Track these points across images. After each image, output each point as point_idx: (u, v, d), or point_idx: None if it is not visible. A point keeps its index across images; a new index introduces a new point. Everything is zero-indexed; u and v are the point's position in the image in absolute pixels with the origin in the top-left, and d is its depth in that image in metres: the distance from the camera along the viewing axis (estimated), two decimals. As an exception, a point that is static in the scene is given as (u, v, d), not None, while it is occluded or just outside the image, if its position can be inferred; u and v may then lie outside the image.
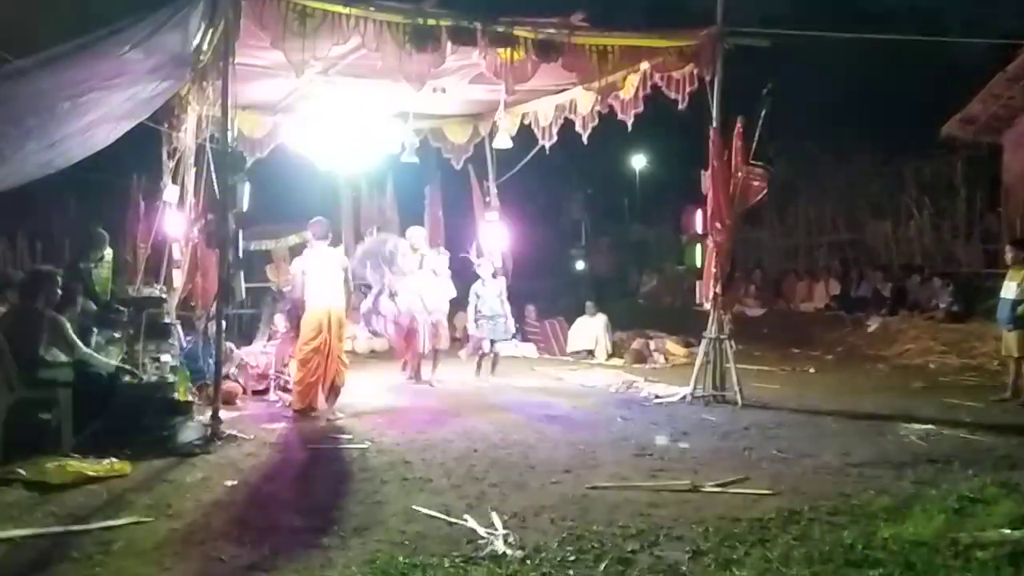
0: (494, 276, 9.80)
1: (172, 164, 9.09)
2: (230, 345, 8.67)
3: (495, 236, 10.84)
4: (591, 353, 12.15)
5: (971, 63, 13.95)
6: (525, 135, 10.56)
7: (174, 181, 8.92)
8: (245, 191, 6.93)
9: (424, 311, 9.11)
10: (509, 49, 7.71)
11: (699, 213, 8.48)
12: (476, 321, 9.50)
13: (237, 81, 6.86)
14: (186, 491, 5.16)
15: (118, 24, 6.30)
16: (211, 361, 7.38)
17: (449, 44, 7.39)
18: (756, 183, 8.16)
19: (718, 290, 8.19)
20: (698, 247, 8.96)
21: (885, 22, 14.84)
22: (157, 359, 7.29)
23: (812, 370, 10.87)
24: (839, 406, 8.00)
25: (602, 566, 3.83)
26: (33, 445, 5.65)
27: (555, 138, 10.16)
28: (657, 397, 8.58)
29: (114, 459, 5.57)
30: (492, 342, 9.72)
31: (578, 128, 9.66)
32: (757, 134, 8.04)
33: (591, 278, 18.91)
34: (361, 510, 4.79)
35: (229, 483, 5.37)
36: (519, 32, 7.71)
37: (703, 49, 8.13)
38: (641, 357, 11.64)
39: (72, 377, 6.11)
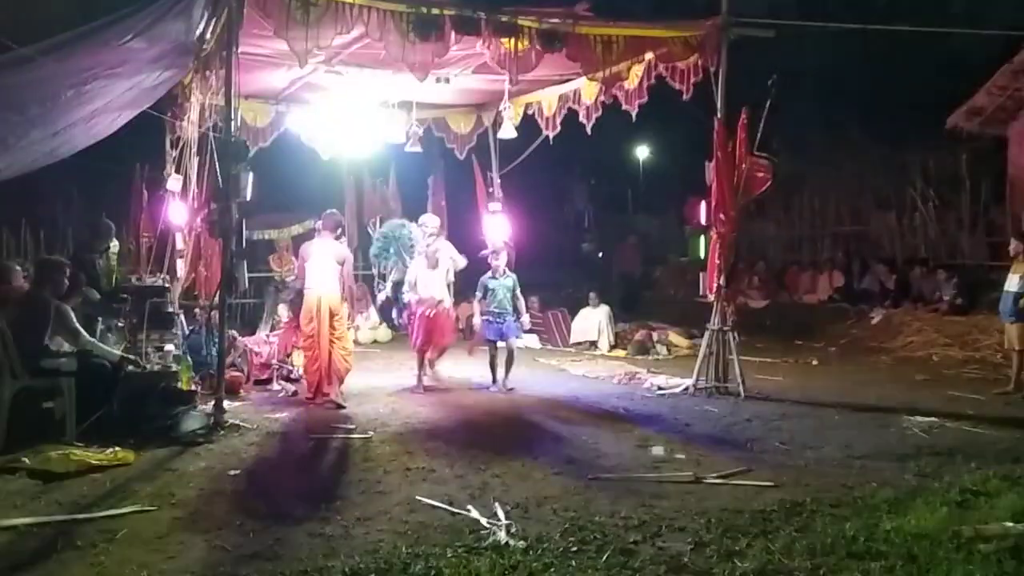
0: (505, 272, 9.30)
1: (175, 153, 9.08)
2: (233, 333, 8.68)
3: (498, 226, 10.76)
4: (594, 344, 12.15)
5: (977, 55, 13.85)
6: (529, 125, 10.52)
7: (177, 170, 8.91)
8: (248, 180, 6.93)
9: (447, 297, 8.88)
10: (513, 39, 7.67)
11: (703, 204, 8.46)
12: (483, 316, 8.87)
13: (240, 70, 6.84)
14: (189, 480, 5.18)
15: (121, 12, 6.30)
16: (214, 350, 7.40)
17: (453, 33, 7.35)
18: (760, 174, 8.13)
19: (721, 281, 8.17)
20: (702, 238, 8.92)
21: (891, 13, 14.74)
22: (160, 348, 7.33)
23: (815, 362, 10.85)
24: (842, 398, 8.00)
25: (604, 557, 3.83)
26: (37, 434, 5.69)
27: (559, 128, 10.12)
28: (660, 388, 8.58)
29: (117, 448, 5.59)
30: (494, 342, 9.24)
31: (582, 118, 9.60)
32: (762, 125, 8.01)
33: (617, 278, 17.63)
34: (364, 500, 4.80)
35: (232, 472, 5.39)
36: (523, 22, 7.67)
37: (708, 39, 8.08)
38: (644, 348, 11.64)
39: (76, 366, 6.13)
